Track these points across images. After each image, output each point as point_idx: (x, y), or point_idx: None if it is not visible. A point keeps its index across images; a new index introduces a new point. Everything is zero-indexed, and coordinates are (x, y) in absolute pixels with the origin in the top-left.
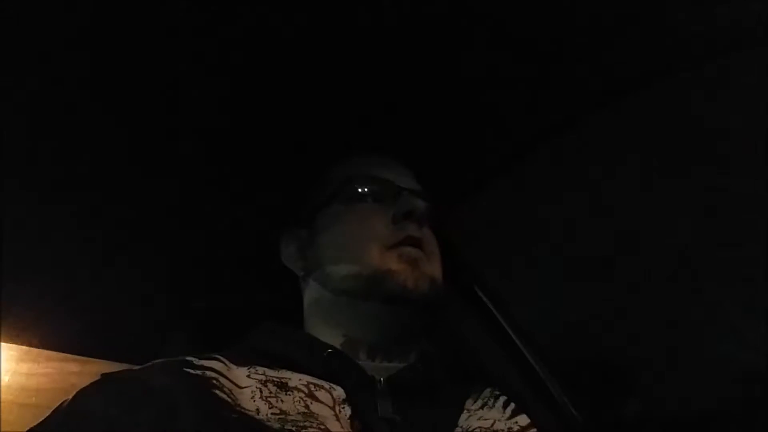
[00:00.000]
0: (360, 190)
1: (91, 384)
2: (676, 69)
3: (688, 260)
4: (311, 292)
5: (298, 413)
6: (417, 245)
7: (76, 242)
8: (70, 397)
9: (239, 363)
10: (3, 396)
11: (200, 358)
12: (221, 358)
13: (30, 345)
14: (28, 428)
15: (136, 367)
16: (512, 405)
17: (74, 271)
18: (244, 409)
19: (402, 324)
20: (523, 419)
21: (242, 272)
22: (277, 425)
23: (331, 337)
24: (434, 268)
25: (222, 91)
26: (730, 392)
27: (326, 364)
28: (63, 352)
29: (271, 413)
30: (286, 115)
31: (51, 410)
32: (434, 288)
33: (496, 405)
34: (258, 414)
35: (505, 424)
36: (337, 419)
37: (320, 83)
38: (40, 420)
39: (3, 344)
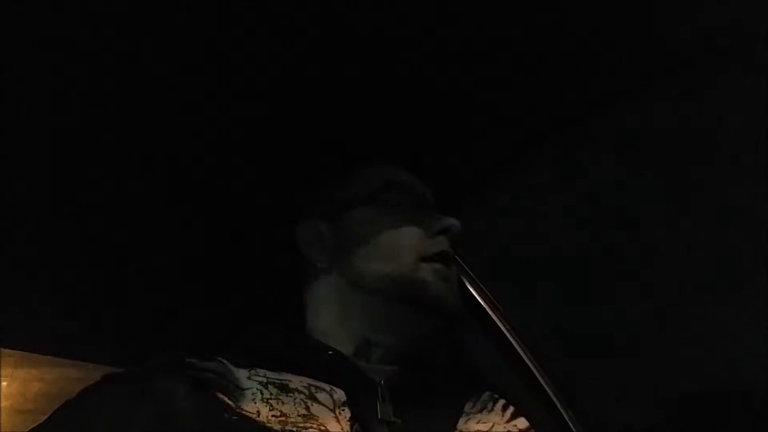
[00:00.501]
0: (398, 196)
1: (93, 384)
2: (666, 73)
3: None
4: (330, 286)
5: (299, 415)
6: (448, 262)
7: (75, 246)
8: (72, 397)
9: (240, 364)
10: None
11: (201, 360)
12: (222, 360)
13: (29, 350)
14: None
15: (138, 368)
16: (511, 408)
17: (74, 275)
18: (244, 411)
19: (426, 332)
20: (522, 422)
21: (241, 274)
22: (277, 427)
23: (346, 334)
24: (456, 284)
25: (222, 89)
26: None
27: (327, 367)
28: (62, 357)
29: (272, 415)
30: (287, 116)
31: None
32: (458, 302)
33: (495, 408)
34: (258, 416)
35: (504, 427)
36: (337, 421)
37: (320, 84)
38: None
39: (2, 350)
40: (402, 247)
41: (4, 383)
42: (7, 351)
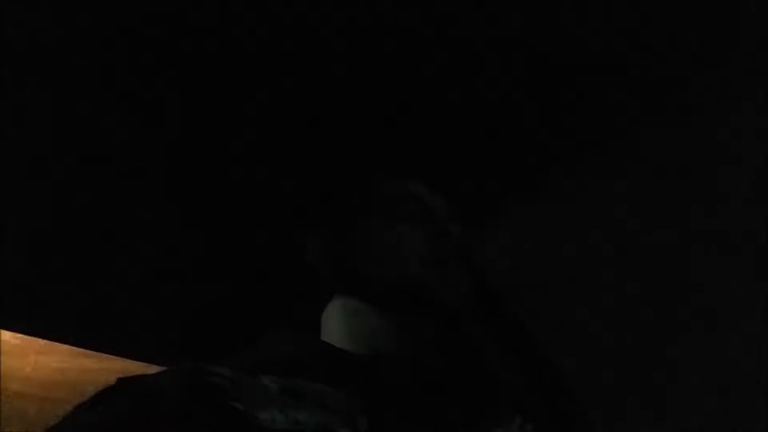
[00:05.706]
0: (405, 206)
1: (105, 389)
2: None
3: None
4: (337, 299)
5: (313, 424)
6: (451, 265)
7: (97, 238)
8: (84, 400)
9: (254, 371)
10: (26, 389)
11: (215, 366)
12: (236, 366)
13: (52, 339)
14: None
15: (152, 374)
16: None
17: (96, 267)
18: (258, 419)
19: (429, 338)
20: None
21: (260, 277)
22: None
23: (351, 344)
24: (462, 289)
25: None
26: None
27: (343, 374)
28: (82, 347)
29: (286, 424)
30: (308, 129)
31: (69, 405)
32: (462, 306)
33: None
34: (272, 425)
35: None
36: (353, 431)
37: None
38: (58, 417)
39: (27, 336)
40: (403, 254)
41: (28, 369)
42: (32, 339)
